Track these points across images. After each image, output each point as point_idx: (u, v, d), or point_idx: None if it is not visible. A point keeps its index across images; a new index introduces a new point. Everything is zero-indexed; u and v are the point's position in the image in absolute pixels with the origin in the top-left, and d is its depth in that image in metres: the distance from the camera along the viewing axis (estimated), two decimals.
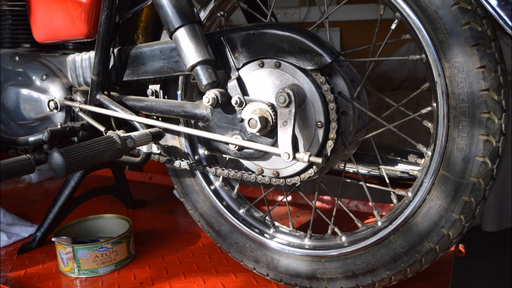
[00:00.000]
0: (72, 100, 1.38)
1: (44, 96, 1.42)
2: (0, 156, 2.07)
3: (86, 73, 1.41)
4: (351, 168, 1.27)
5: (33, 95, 1.43)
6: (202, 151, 1.35)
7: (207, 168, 1.26)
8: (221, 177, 1.30)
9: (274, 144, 1.06)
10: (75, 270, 1.32)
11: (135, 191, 2.02)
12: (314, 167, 1.08)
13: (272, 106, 1.05)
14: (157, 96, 1.31)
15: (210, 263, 1.38)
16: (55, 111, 1.39)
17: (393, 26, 1.02)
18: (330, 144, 1.04)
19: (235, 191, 1.32)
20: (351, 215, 1.17)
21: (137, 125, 1.24)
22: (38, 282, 1.31)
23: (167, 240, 1.55)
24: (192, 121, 1.30)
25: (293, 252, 1.19)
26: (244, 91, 1.10)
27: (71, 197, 1.54)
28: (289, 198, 1.88)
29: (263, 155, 1.11)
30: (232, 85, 1.10)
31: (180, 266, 1.38)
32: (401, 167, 1.18)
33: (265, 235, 1.26)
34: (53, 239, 1.36)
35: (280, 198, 1.86)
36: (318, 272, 1.15)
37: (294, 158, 1.00)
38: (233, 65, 1.11)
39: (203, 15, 1.24)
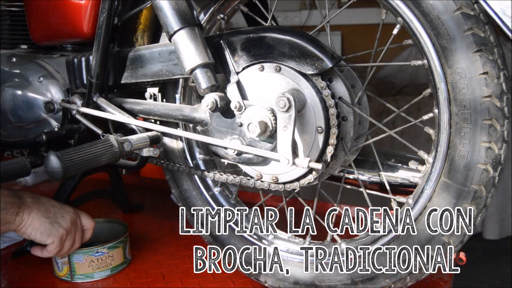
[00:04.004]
0: (69, 102, 1.37)
1: (41, 98, 1.40)
2: None
3: (83, 75, 1.39)
4: (351, 174, 1.26)
5: (30, 97, 1.42)
6: (200, 156, 1.34)
7: (206, 172, 1.24)
8: (219, 182, 1.28)
9: (274, 149, 1.05)
10: (70, 275, 1.30)
11: (132, 195, 2.00)
12: (314, 172, 1.06)
13: (271, 110, 1.04)
14: (155, 99, 1.30)
15: None
16: (52, 113, 1.37)
17: (395, 31, 1.01)
18: (330, 149, 1.03)
19: (234, 196, 1.31)
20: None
21: (135, 128, 1.23)
22: (32, 287, 1.29)
23: (164, 245, 1.54)
24: (191, 125, 1.29)
25: (292, 258, 1.18)
26: (243, 95, 1.08)
27: (67, 201, 1.52)
28: None
29: (262, 160, 1.10)
30: (232, 89, 1.08)
31: (177, 272, 1.36)
32: (402, 173, 1.17)
33: (264, 241, 1.24)
34: None
35: (279, 204, 1.85)
36: (317, 279, 1.14)
37: (294, 163, 0.99)
38: (233, 69, 1.09)
39: (203, 18, 1.23)
